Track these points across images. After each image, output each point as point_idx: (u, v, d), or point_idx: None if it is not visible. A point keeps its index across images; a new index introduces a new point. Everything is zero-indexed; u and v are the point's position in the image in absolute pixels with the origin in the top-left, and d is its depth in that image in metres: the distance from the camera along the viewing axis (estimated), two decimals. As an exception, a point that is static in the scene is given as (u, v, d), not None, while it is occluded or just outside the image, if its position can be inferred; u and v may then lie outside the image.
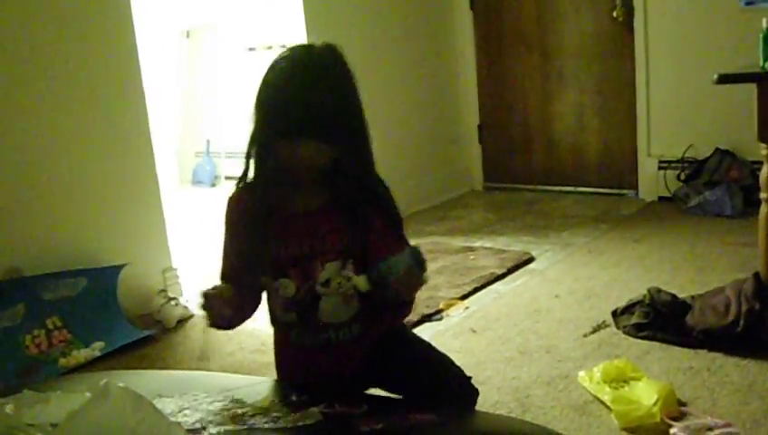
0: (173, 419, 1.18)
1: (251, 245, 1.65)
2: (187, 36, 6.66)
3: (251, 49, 6.40)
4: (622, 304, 2.85)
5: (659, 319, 2.67)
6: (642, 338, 2.64)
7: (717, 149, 4.23)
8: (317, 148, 1.55)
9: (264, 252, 1.63)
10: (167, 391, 1.43)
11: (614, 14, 4.48)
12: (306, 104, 1.54)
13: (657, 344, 2.60)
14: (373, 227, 1.66)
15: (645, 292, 2.80)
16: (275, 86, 1.61)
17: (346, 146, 1.60)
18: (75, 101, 3.14)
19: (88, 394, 0.99)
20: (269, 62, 1.65)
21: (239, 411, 1.31)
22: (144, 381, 1.45)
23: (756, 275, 2.65)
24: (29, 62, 3.00)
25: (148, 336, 3.10)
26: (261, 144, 1.62)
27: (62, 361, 2.84)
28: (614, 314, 2.82)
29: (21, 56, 2.97)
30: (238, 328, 3.07)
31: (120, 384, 0.97)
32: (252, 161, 1.64)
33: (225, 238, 1.76)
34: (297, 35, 4.18)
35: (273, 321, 1.78)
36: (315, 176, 1.61)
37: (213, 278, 1.74)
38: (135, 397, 0.97)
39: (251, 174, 1.65)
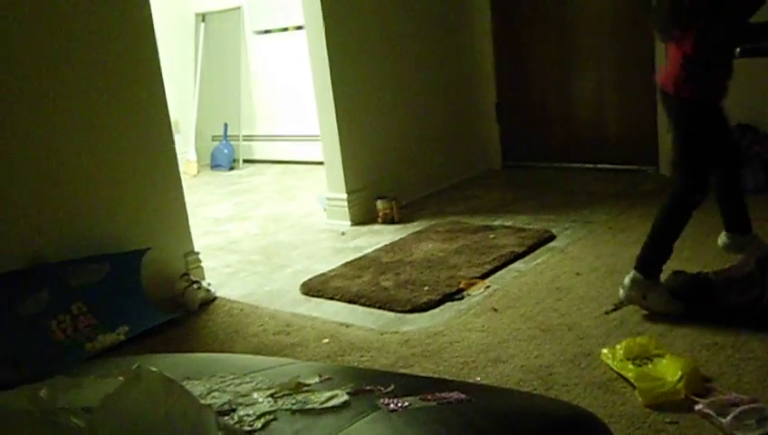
0: (202, 401, 1.19)
1: None
2: (203, 20, 6.66)
3: (266, 31, 6.40)
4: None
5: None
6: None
7: (739, 124, 4.18)
8: None
9: None
10: (194, 373, 1.45)
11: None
12: None
13: (678, 321, 2.59)
14: None
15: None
16: None
17: None
18: (95, 89, 3.16)
19: (120, 378, 1.00)
20: None
21: (268, 392, 1.32)
22: (171, 364, 1.46)
23: (780, 249, 2.64)
24: (49, 49, 3.01)
25: (171, 319, 3.13)
26: None
27: (88, 345, 2.88)
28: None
29: (42, 44, 2.99)
30: (261, 310, 3.11)
31: (153, 368, 0.98)
32: None
33: None
34: (313, 18, 4.17)
35: None
36: None
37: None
38: (166, 380, 0.98)
39: None
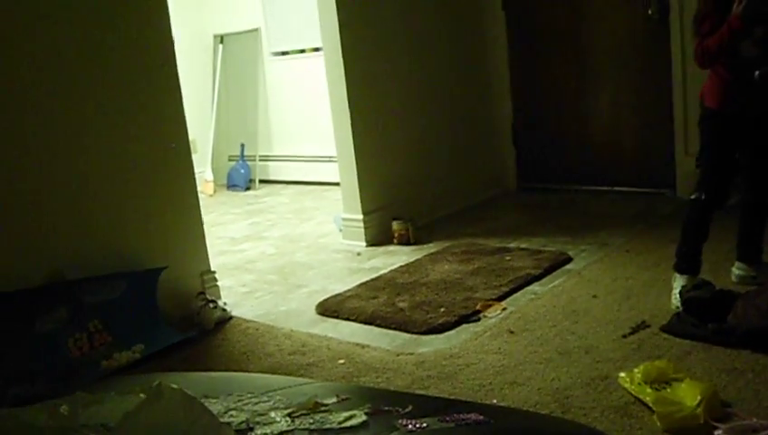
0: (220, 419, 1.19)
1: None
2: (222, 42, 6.72)
3: (284, 53, 6.45)
4: (661, 304, 2.83)
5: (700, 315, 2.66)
6: (683, 336, 2.62)
7: (756, 147, 4.17)
8: None
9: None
10: (212, 392, 1.45)
11: (649, 11, 4.44)
12: None
13: (698, 345, 2.57)
14: None
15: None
16: None
17: None
18: (116, 108, 3.19)
19: (142, 395, 1.00)
20: None
21: (285, 412, 1.32)
22: (189, 382, 1.46)
23: (801, 274, 2.62)
24: (71, 69, 3.05)
25: (187, 338, 3.14)
26: None
27: (104, 363, 2.88)
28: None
29: (64, 66, 3.03)
30: (277, 329, 3.11)
31: (173, 386, 0.99)
32: None
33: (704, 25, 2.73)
34: (331, 40, 4.20)
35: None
36: None
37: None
38: (187, 398, 0.98)
39: None
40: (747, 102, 2.77)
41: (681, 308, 2.78)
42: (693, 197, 2.92)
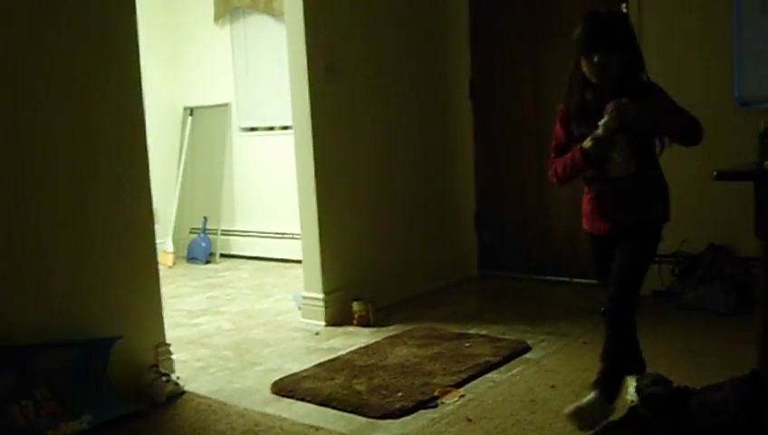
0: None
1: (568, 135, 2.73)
2: (191, 114, 6.77)
3: (252, 129, 6.51)
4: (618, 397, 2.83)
5: (657, 409, 2.66)
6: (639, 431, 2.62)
7: (711, 245, 4.28)
8: (608, 57, 2.53)
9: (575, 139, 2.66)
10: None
11: (611, 110, 4.58)
12: (599, 29, 2.57)
13: (654, 440, 2.57)
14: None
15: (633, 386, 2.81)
16: (581, 29, 2.59)
17: (626, 57, 2.56)
18: (79, 170, 3.17)
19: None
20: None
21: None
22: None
23: (754, 372, 2.65)
24: (37, 127, 3.04)
25: (137, 411, 3.05)
26: (574, 66, 2.63)
27: (50, 433, 2.78)
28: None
29: (29, 121, 3.01)
30: (230, 407, 3.05)
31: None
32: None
33: (556, 128, 2.79)
34: (301, 119, 4.26)
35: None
36: (607, 80, 2.56)
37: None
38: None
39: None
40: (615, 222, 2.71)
41: (639, 403, 2.78)
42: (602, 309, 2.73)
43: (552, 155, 2.78)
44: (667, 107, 2.59)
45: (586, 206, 2.80)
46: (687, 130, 2.61)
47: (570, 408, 2.64)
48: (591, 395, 2.65)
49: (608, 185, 2.69)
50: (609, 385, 2.67)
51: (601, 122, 2.51)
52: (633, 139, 2.57)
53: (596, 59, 2.54)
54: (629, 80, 2.59)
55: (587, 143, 2.57)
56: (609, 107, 2.49)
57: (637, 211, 2.70)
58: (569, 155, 2.67)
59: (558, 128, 2.78)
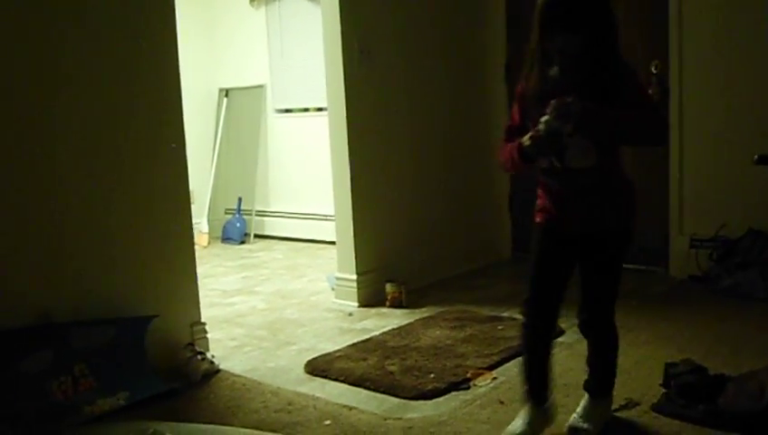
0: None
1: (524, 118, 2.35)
2: (227, 96, 6.81)
3: (287, 111, 6.53)
4: (653, 381, 2.81)
5: (691, 397, 2.64)
6: (673, 416, 2.60)
7: (750, 230, 4.21)
8: (567, 38, 2.13)
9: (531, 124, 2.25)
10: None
11: (649, 91, 4.52)
12: (557, 4, 2.13)
13: (688, 426, 2.55)
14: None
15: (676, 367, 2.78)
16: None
17: (591, 37, 2.14)
18: (119, 152, 3.21)
19: (133, 440, 0.99)
20: None
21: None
22: (180, 431, 1.44)
23: (792, 359, 2.61)
24: (74, 108, 3.07)
25: (172, 389, 3.09)
26: (532, 42, 2.22)
27: (87, 408, 2.84)
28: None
29: (66, 102, 3.05)
30: (264, 386, 3.08)
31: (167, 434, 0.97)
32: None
33: (513, 109, 2.43)
34: (336, 101, 4.26)
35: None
36: (570, 64, 2.19)
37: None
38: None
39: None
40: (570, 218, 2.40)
41: (673, 392, 2.74)
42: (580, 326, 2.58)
43: (503, 138, 2.44)
44: (628, 100, 2.20)
45: (543, 201, 2.47)
46: (642, 137, 2.31)
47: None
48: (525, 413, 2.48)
49: (564, 179, 2.35)
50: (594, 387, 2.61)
51: (542, 119, 2.17)
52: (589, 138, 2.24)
53: (556, 40, 2.17)
54: (597, 63, 2.19)
55: (526, 140, 2.24)
56: (551, 106, 2.13)
57: (603, 217, 2.38)
58: (512, 145, 2.33)
59: (514, 108, 2.43)
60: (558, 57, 2.20)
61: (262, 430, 2.68)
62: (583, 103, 2.11)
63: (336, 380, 3.19)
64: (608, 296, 2.51)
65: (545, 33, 2.17)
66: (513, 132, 2.38)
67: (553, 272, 2.45)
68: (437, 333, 3.70)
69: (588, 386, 2.63)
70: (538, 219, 2.49)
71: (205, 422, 2.74)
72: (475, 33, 5.14)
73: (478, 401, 2.89)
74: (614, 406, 2.73)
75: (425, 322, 3.92)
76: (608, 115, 2.17)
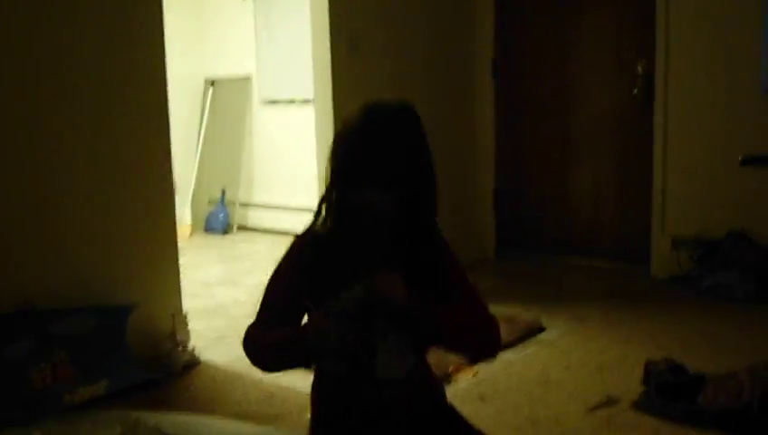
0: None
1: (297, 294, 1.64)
2: (212, 86, 6.77)
3: (273, 102, 6.50)
4: (633, 379, 2.83)
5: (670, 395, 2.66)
6: (653, 414, 2.62)
7: (732, 231, 4.24)
8: (379, 197, 1.60)
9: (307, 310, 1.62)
10: (183, 432, 1.42)
11: (634, 91, 4.54)
12: (373, 150, 1.63)
13: (667, 424, 2.57)
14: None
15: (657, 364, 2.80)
16: (343, 139, 1.69)
17: (409, 197, 1.66)
18: (101, 139, 3.19)
19: (118, 428, 0.98)
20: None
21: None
22: (165, 421, 1.43)
23: (771, 359, 2.64)
24: (59, 97, 3.05)
25: (153, 379, 3.08)
26: (331, 195, 1.66)
27: (67, 396, 2.81)
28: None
29: (52, 92, 3.03)
30: (245, 377, 3.06)
31: (150, 423, 0.97)
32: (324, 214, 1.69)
33: (279, 278, 1.75)
34: (323, 93, 4.25)
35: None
36: (379, 228, 1.64)
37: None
38: (162, 435, 0.97)
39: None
40: None
41: (652, 390, 2.76)
42: None
43: (256, 320, 1.76)
44: (451, 284, 1.71)
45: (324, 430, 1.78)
46: (472, 345, 1.74)
47: None
48: None
49: (369, 394, 1.64)
50: None
51: (348, 294, 1.53)
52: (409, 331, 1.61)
53: (363, 196, 1.61)
54: (411, 229, 1.72)
55: (317, 323, 1.55)
56: (367, 282, 1.54)
57: None
58: (286, 333, 1.64)
59: (282, 278, 1.76)
60: (365, 220, 1.64)
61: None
62: (411, 289, 1.56)
63: (318, 372, 3.18)
64: None
65: (350, 185, 1.63)
66: (278, 313, 1.71)
67: None
68: (420, 327, 3.69)
69: None
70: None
71: (186, 413, 2.73)
72: (463, 28, 5.13)
73: (459, 397, 2.88)
74: (594, 403, 2.75)
75: (407, 316, 3.91)
76: (438, 311, 1.62)
